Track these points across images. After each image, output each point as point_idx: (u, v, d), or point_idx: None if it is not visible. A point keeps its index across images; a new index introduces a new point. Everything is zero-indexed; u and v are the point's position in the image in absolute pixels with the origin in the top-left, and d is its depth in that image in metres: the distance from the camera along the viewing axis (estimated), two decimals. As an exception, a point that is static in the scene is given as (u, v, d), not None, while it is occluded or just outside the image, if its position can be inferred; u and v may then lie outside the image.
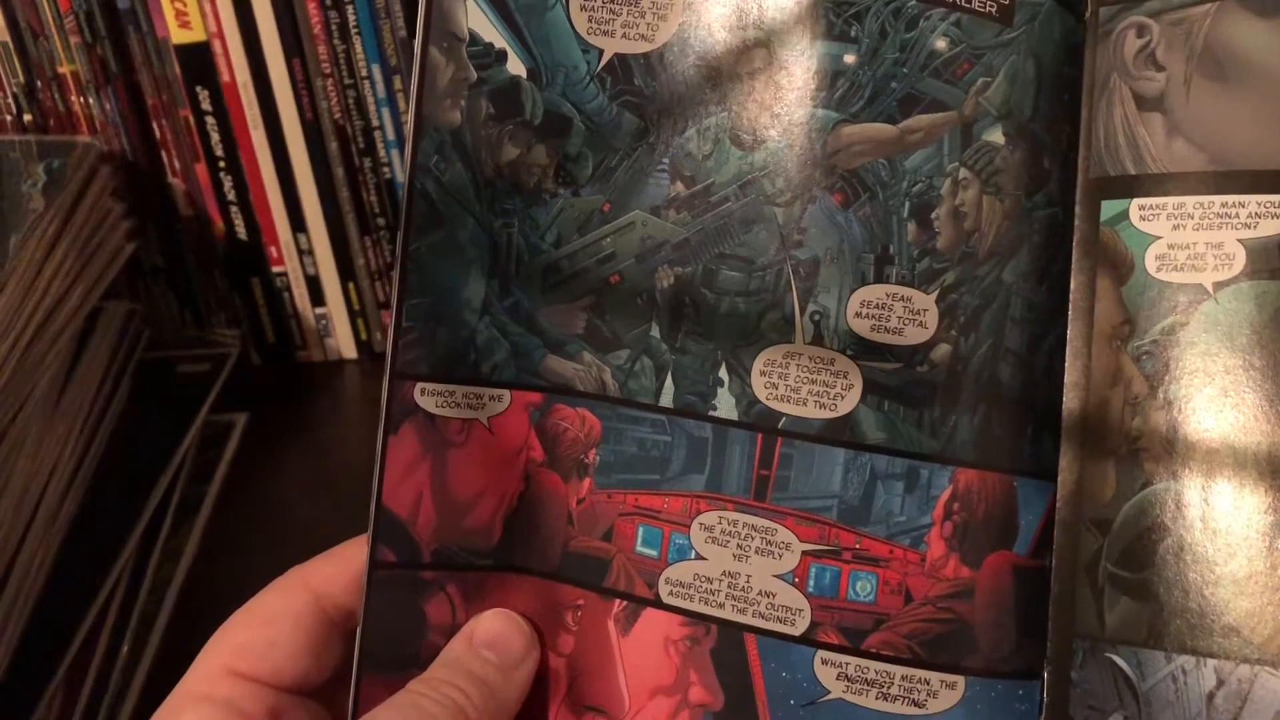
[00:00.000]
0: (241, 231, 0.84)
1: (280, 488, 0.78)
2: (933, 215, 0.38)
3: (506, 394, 0.40)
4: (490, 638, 0.39)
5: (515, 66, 0.39)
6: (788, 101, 0.38)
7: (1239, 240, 0.36)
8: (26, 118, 0.81)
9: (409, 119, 0.39)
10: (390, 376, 0.40)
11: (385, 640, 0.39)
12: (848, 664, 0.38)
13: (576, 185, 0.40)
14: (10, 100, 0.81)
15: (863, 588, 0.38)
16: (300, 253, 0.85)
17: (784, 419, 0.38)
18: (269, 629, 0.40)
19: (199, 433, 0.78)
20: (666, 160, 0.39)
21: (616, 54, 0.39)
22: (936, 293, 0.38)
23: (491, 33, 0.39)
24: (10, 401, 0.64)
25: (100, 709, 0.62)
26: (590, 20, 0.39)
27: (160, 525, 0.72)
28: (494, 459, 0.40)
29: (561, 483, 0.40)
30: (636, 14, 0.39)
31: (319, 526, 0.72)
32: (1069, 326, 0.38)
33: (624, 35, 0.39)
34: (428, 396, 0.40)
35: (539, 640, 0.40)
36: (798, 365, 0.38)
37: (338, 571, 0.40)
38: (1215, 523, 0.35)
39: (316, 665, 0.40)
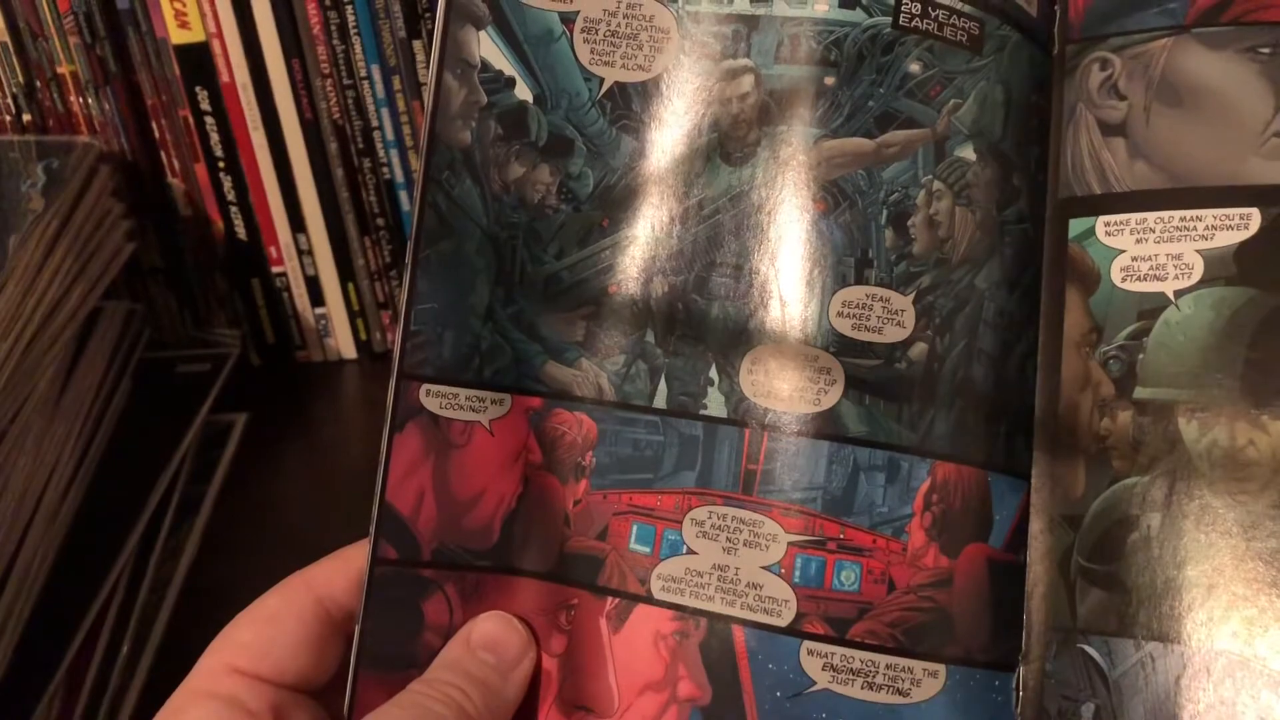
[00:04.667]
0: (241, 232, 0.85)
1: (280, 488, 0.79)
2: (909, 222, 0.41)
3: (508, 398, 0.42)
4: (487, 640, 0.41)
5: (523, 92, 0.42)
6: (773, 120, 0.41)
7: (1197, 251, 0.39)
8: (26, 118, 0.82)
9: (423, 137, 0.42)
10: (397, 377, 0.42)
11: (383, 638, 0.41)
12: (833, 654, 0.39)
13: (578, 202, 0.42)
14: (10, 100, 0.81)
15: (847, 577, 0.40)
16: (300, 253, 0.86)
17: (770, 414, 0.41)
18: (271, 628, 0.41)
19: (199, 433, 0.79)
20: (662, 177, 0.42)
21: (616, 82, 0.42)
22: (913, 294, 0.41)
23: (501, 61, 0.42)
24: (10, 401, 0.65)
25: (100, 709, 0.63)
26: (592, 52, 0.42)
27: (160, 525, 0.73)
28: (494, 461, 0.42)
29: (559, 485, 0.42)
30: (635, 46, 0.42)
31: (318, 526, 0.72)
32: (1040, 336, 0.41)
33: (623, 65, 0.42)
34: (432, 398, 0.42)
35: (534, 641, 0.42)
36: (784, 363, 0.41)
37: (339, 572, 0.42)
38: (1181, 515, 0.38)
39: (318, 664, 0.42)
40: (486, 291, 0.42)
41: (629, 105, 0.42)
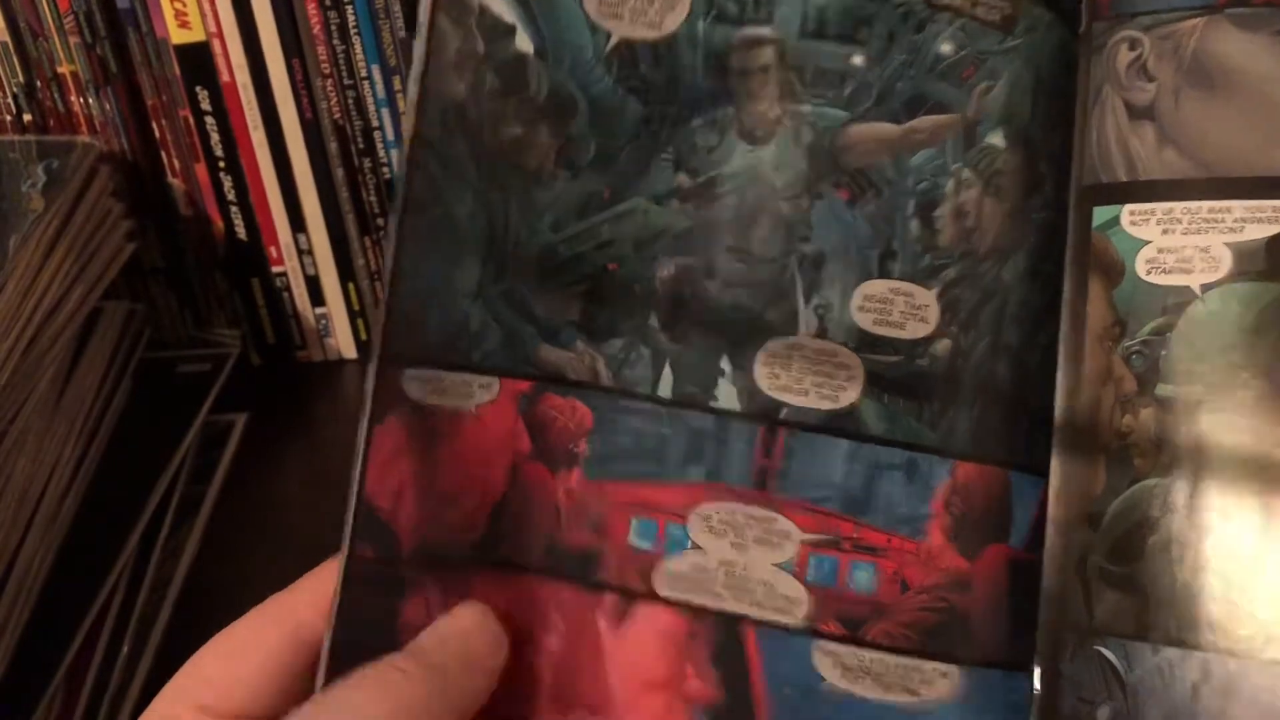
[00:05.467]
0: (241, 231, 0.84)
1: (280, 488, 0.78)
2: (935, 213, 0.39)
3: (496, 382, 0.40)
4: (457, 629, 0.39)
5: (523, 43, 0.39)
6: (796, 98, 0.39)
7: (1226, 244, 0.37)
8: (26, 118, 0.81)
9: (412, 86, 0.39)
10: (379, 362, 0.39)
11: (356, 642, 0.38)
12: (846, 653, 0.38)
13: (577, 168, 0.40)
14: (10, 100, 0.81)
15: (862, 577, 0.38)
16: (300, 253, 0.85)
17: (786, 409, 0.39)
18: (235, 664, 0.39)
19: (199, 433, 0.78)
20: (670, 149, 0.40)
21: (624, 38, 0.39)
22: (938, 289, 0.39)
23: (501, 6, 0.39)
24: (10, 401, 0.64)
25: (100, 709, 0.62)
26: (600, 1, 0.39)
27: (160, 525, 0.72)
28: (480, 450, 0.40)
29: (549, 475, 0.40)
30: (645, 0, 0.39)
31: (319, 526, 0.71)
32: (1061, 328, 0.39)
33: (632, 20, 0.39)
34: (416, 384, 0.39)
35: (525, 639, 0.40)
36: (801, 357, 0.39)
37: (312, 596, 0.40)
38: (1203, 518, 0.36)
39: (286, 698, 0.39)
40: (476, 266, 0.40)
41: (636, 66, 0.39)
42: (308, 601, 0.40)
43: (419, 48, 0.39)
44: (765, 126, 0.39)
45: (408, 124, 0.39)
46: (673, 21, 0.39)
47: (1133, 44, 0.39)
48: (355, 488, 0.39)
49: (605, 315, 0.40)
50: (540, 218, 0.40)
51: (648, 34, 0.39)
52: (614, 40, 0.39)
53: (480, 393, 0.40)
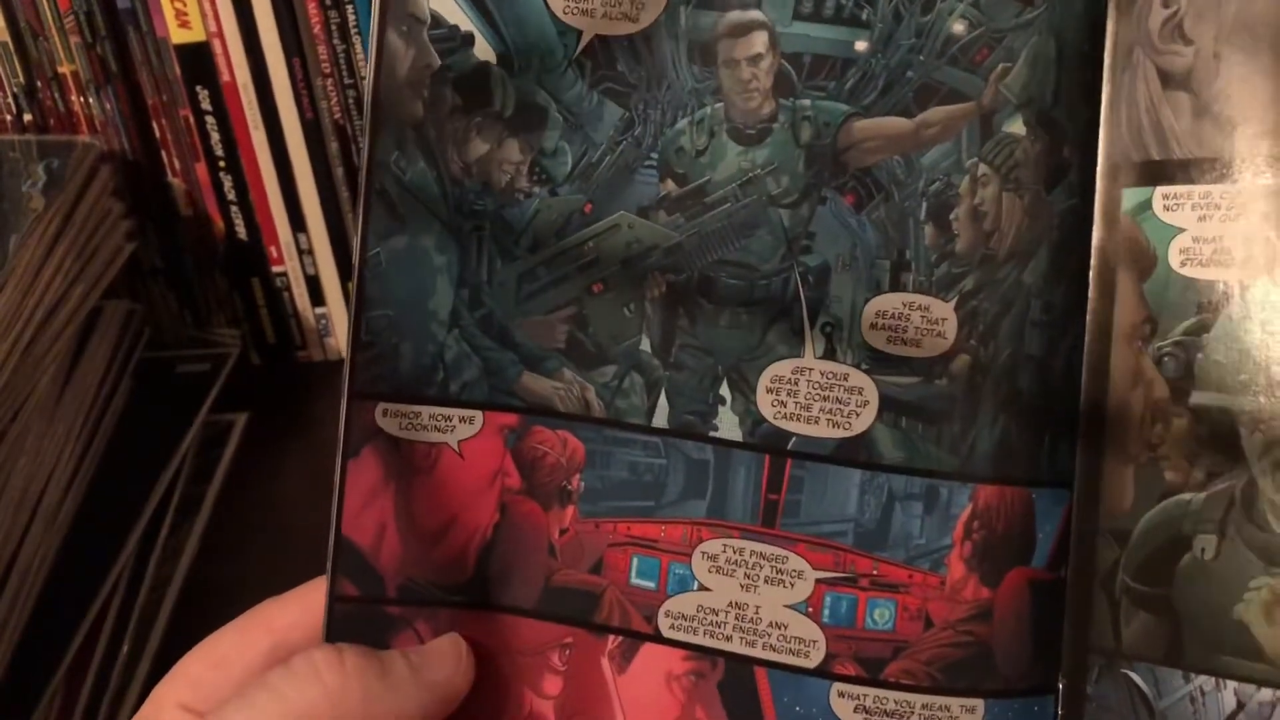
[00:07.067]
0: (241, 231, 0.83)
1: (280, 488, 0.77)
2: (951, 216, 0.35)
3: (478, 415, 0.37)
4: (426, 647, 0.38)
5: (483, 51, 0.36)
6: (792, 91, 0.36)
7: (1270, 234, 0.33)
8: (26, 118, 0.81)
9: (365, 111, 0.37)
10: (349, 396, 0.37)
11: None
12: (866, 695, 0.36)
13: (553, 184, 0.37)
14: (10, 100, 0.80)
15: (881, 615, 0.36)
16: (300, 253, 0.84)
17: (794, 439, 0.36)
18: (218, 672, 0.38)
19: (199, 433, 0.77)
20: (655, 155, 0.36)
21: (597, 36, 0.36)
22: (955, 300, 0.35)
23: (456, 14, 0.36)
24: (10, 401, 0.64)
25: (100, 709, 0.61)
26: None
27: (160, 525, 0.71)
28: (464, 486, 0.38)
29: (541, 512, 0.38)
30: None
31: (319, 526, 0.71)
32: (1087, 323, 0.35)
33: (605, 15, 0.36)
34: (390, 418, 0.37)
35: (522, 683, 0.38)
36: (808, 381, 0.36)
37: (299, 617, 0.38)
38: (1238, 538, 0.33)
39: None
40: (449, 293, 0.37)
41: (613, 64, 0.36)
42: (292, 618, 0.39)
43: (369, 68, 0.36)
44: (759, 124, 0.36)
45: (364, 149, 0.37)
46: (651, 11, 0.36)
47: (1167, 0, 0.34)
48: (333, 523, 0.37)
49: (593, 341, 0.37)
50: (516, 239, 0.37)
51: (624, 28, 0.36)
52: (585, 39, 0.36)
53: (462, 427, 0.37)
